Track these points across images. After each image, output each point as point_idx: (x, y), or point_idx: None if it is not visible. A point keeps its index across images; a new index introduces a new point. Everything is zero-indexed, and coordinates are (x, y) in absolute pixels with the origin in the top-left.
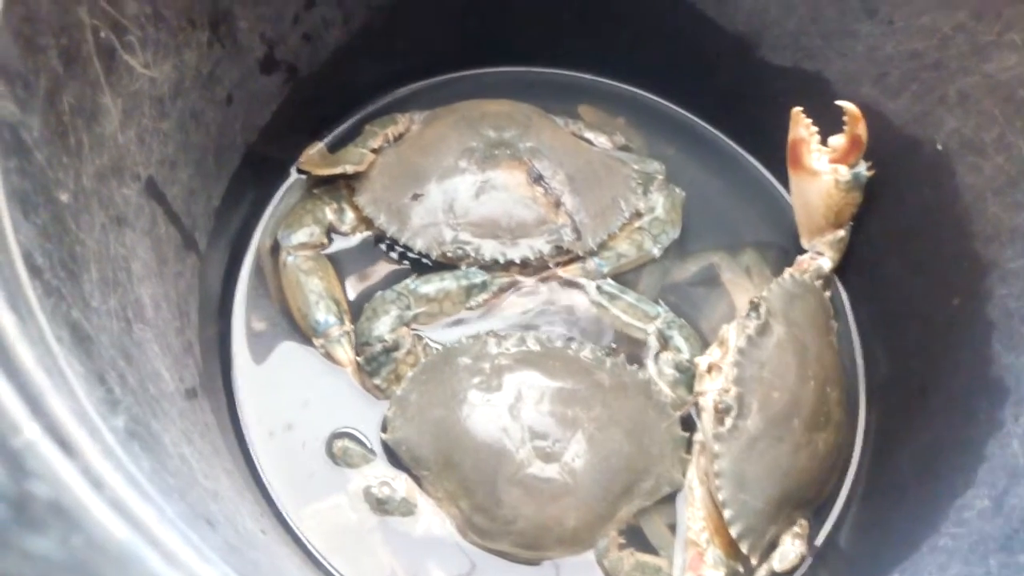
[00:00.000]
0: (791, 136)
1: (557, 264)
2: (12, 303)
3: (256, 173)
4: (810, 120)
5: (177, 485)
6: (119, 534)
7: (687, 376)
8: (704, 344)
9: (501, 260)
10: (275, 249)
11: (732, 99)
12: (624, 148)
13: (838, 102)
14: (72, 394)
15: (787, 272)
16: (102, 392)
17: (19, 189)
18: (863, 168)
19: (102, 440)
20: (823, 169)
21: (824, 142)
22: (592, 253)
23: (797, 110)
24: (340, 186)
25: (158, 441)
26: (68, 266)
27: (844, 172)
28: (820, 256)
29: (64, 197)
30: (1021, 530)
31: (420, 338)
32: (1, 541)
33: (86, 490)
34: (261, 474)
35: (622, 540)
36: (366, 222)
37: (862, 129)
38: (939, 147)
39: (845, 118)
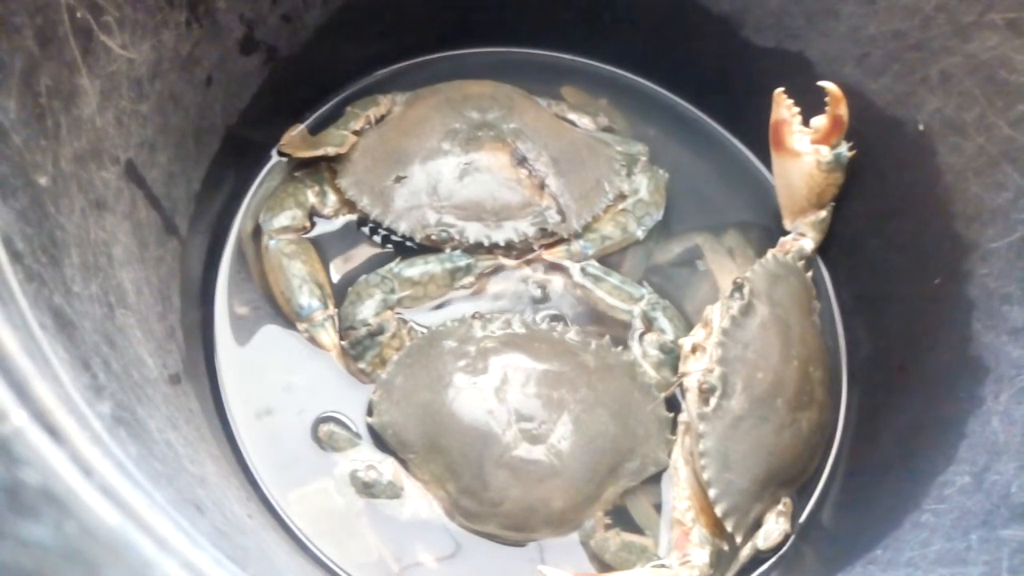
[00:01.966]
0: (773, 117)
1: (542, 246)
2: None
3: (236, 156)
4: (792, 101)
5: (164, 471)
6: (110, 520)
7: (671, 357)
8: (688, 325)
9: (486, 243)
10: (257, 233)
11: (715, 80)
12: (607, 129)
13: (820, 83)
14: (57, 380)
15: (770, 253)
16: (87, 378)
17: None
18: (844, 149)
19: (89, 426)
20: (805, 150)
21: (806, 123)
22: (577, 235)
23: (779, 91)
24: (322, 169)
25: (144, 427)
26: (49, 251)
27: (826, 153)
28: (802, 237)
29: (43, 180)
30: (1001, 506)
31: (405, 321)
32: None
33: (76, 477)
34: (247, 459)
35: (608, 521)
36: (349, 205)
37: (843, 109)
38: (921, 127)
39: (827, 98)
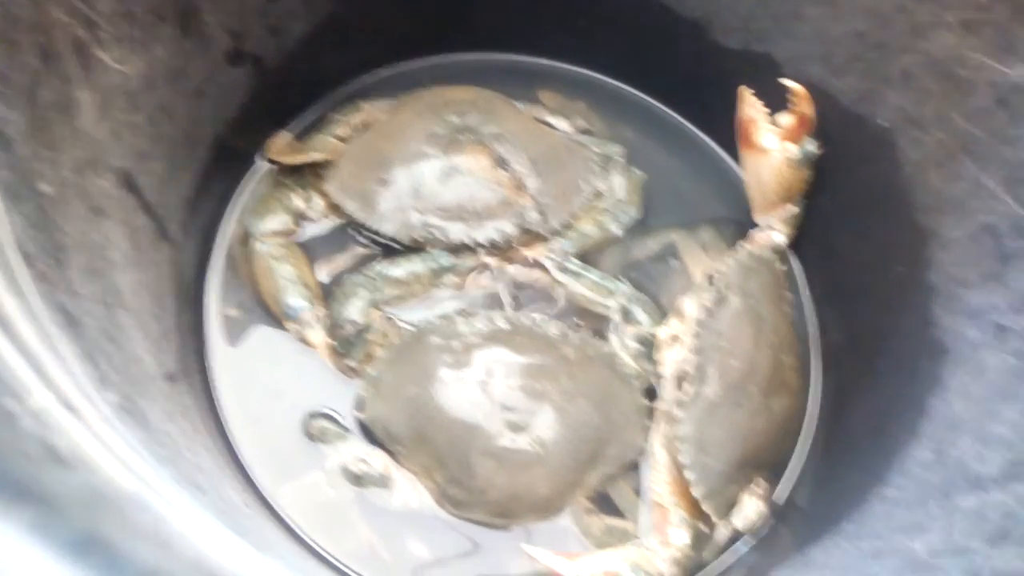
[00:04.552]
0: (740, 115)
1: (523, 245)
2: (11, 287)
3: (226, 164)
4: (758, 99)
5: (167, 455)
6: (129, 485)
7: (649, 348)
8: (665, 317)
9: (468, 242)
10: (246, 238)
11: (687, 81)
12: (584, 131)
13: (782, 80)
14: (69, 369)
15: (742, 247)
16: (93, 370)
17: (6, 181)
18: (811, 145)
19: (99, 409)
20: (773, 147)
21: (774, 121)
22: (556, 233)
23: (743, 89)
24: (308, 174)
25: (145, 418)
26: (54, 254)
27: (793, 149)
28: (771, 230)
29: (46, 188)
30: (958, 477)
31: (391, 319)
32: (41, 473)
33: (96, 447)
34: (240, 455)
35: (590, 506)
36: (335, 208)
37: (808, 107)
38: (883, 123)
39: (791, 96)
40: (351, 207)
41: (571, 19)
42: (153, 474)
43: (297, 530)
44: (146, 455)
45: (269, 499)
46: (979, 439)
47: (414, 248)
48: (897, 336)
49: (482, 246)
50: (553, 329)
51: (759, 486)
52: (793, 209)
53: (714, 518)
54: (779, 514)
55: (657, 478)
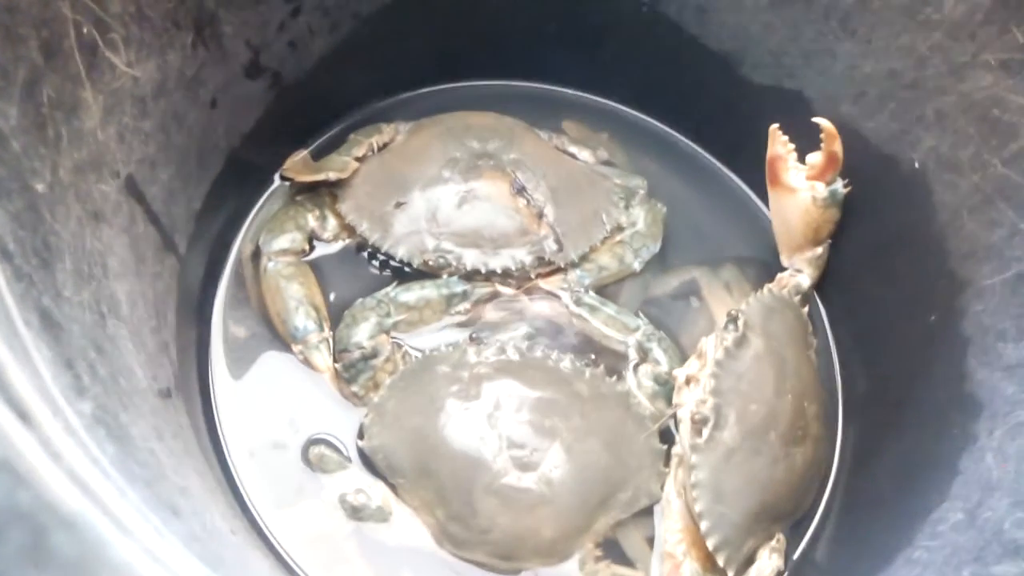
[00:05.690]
0: (769, 153)
1: (538, 275)
2: None
3: (238, 178)
4: (787, 137)
5: (143, 474)
6: (72, 502)
7: (666, 388)
8: (683, 357)
9: (483, 269)
10: (256, 255)
11: (714, 116)
12: (607, 163)
13: (814, 119)
14: (37, 374)
15: (766, 287)
16: (69, 378)
17: None
18: (840, 185)
19: (64, 419)
20: (800, 186)
21: (802, 159)
22: (573, 265)
23: (774, 127)
24: (323, 193)
25: (126, 432)
26: (41, 254)
27: (821, 189)
28: (799, 273)
29: (40, 187)
30: (994, 542)
31: (399, 346)
32: None
33: (42, 458)
34: (235, 478)
35: (599, 552)
36: (348, 229)
37: (838, 146)
38: (916, 165)
39: (821, 135)
40: (365, 228)
41: (598, 50)
42: (113, 492)
43: (289, 561)
44: (113, 472)
45: (262, 527)
46: (1017, 503)
47: (427, 273)
48: (927, 388)
49: (496, 274)
50: (566, 363)
51: (777, 540)
52: (819, 251)
53: (728, 572)
54: (796, 570)
55: (670, 526)
